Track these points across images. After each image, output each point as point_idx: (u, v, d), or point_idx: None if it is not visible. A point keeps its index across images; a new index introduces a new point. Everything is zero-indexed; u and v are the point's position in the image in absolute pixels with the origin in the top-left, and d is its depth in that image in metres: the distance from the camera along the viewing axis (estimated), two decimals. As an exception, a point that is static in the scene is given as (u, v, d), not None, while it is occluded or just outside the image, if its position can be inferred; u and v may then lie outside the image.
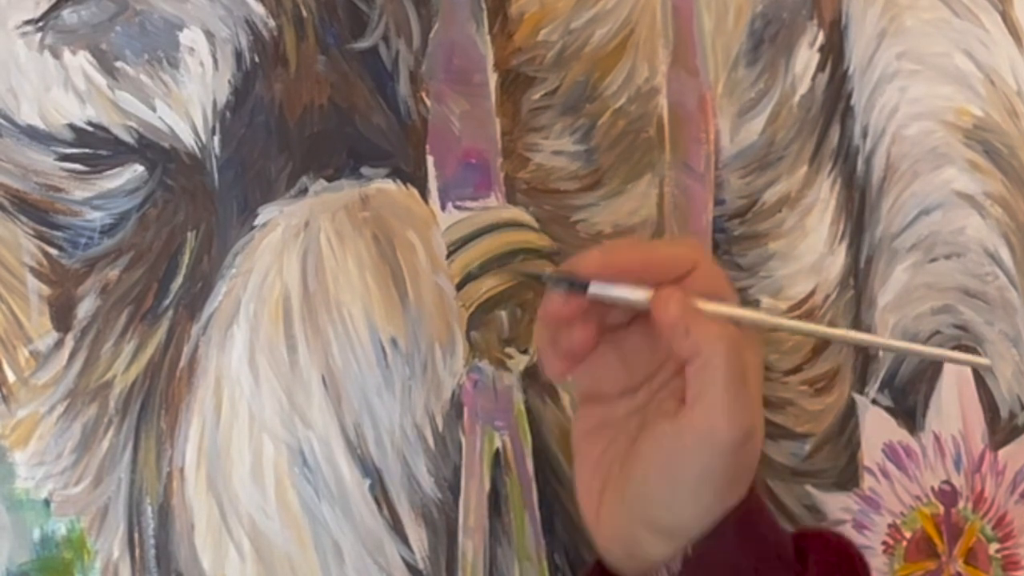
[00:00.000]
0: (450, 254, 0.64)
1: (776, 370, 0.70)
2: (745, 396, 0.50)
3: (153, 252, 0.61)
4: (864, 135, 0.72)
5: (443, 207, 0.64)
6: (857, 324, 0.72)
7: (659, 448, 0.52)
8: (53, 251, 0.59)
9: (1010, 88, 0.74)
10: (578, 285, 0.51)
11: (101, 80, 0.59)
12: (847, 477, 0.71)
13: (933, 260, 0.73)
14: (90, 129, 0.60)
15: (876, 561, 0.72)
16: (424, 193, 0.64)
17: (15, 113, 0.59)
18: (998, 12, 0.74)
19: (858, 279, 0.72)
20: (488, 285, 0.65)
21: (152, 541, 0.60)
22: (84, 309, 0.60)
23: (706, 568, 0.54)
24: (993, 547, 0.73)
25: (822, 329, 0.58)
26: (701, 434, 0.50)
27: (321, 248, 0.62)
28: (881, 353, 0.72)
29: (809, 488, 0.71)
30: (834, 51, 0.71)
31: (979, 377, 0.73)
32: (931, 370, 0.73)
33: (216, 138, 0.61)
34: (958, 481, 0.73)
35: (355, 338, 0.62)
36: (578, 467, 0.56)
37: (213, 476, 0.60)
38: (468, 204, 0.65)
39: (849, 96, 0.72)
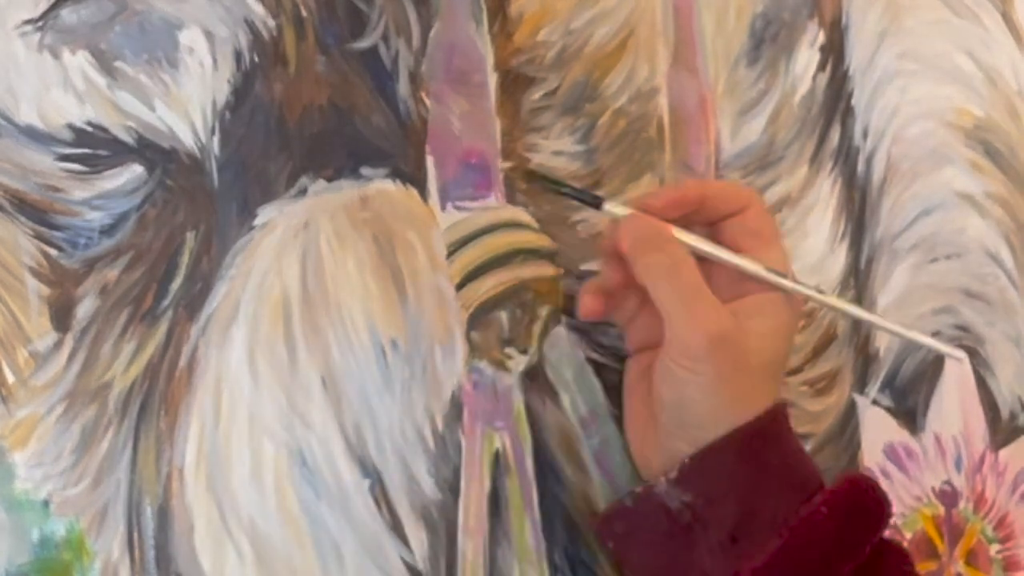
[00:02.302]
0: (450, 254, 0.64)
1: (776, 371, 0.70)
2: (698, 306, 0.57)
3: (152, 252, 0.60)
4: (865, 135, 0.72)
5: (443, 207, 0.64)
6: (858, 325, 0.72)
7: (657, 370, 0.59)
8: (52, 251, 0.59)
9: (1011, 88, 0.74)
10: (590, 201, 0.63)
11: (100, 80, 0.59)
12: (848, 478, 0.71)
13: (934, 260, 0.73)
14: (89, 129, 0.60)
15: (877, 562, 0.72)
16: (424, 193, 0.64)
17: (14, 113, 0.59)
18: (999, 12, 0.74)
19: (859, 279, 0.72)
20: (488, 285, 0.65)
21: (151, 542, 0.60)
22: (83, 309, 0.60)
23: (703, 479, 0.58)
24: (994, 548, 0.73)
25: (788, 284, 0.59)
26: (674, 349, 0.58)
27: (321, 249, 0.62)
28: (882, 353, 0.72)
29: (810, 489, 0.71)
30: (835, 51, 0.71)
31: (980, 378, 0.73)
32: (931, 370, 0.73)
33: (215, 138, 0.61)
34: (959, 482, 0.73)
35: (355, 339, 0.62)
36: (627, 414, 0.64)
37: (213, 477, 0.60)
38: (468, 204, 0.65)
39: (850, 96, 0.72)
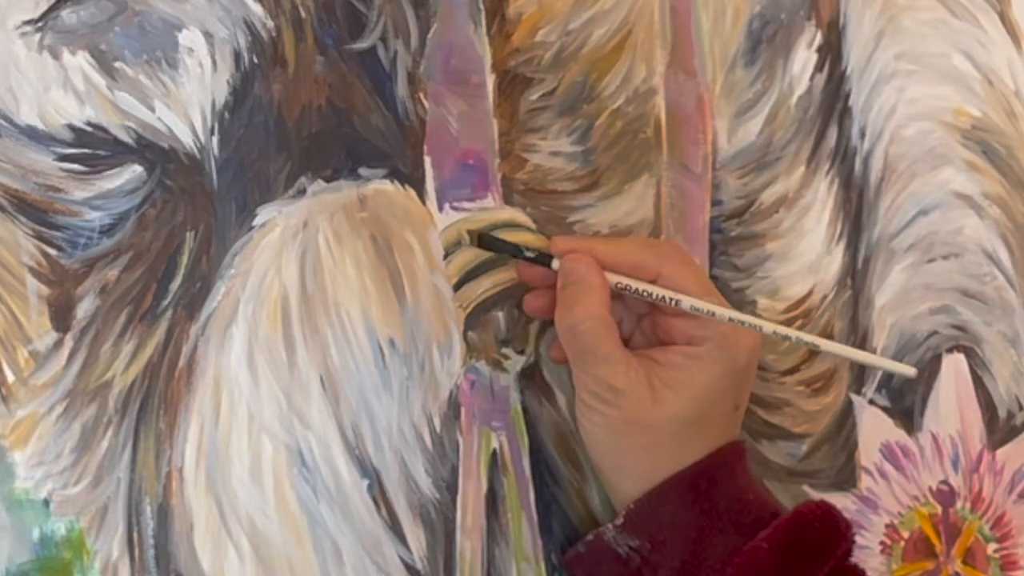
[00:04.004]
0: (447, 255, 0.64)
1: (773, 371, 0.70)
2: (587, 368, 0.60)
3: (152, 252, 0.61)
4: (862, 135, 0.72)
5: (441, 208, 0.64)
6: (855, 324, 0.72)
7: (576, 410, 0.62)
8: (52, 251, 0.59)
9: (1008, 89, 0.74)
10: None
11: (100, 80, 0.60)
12: (844, 477, 0.71)
13: (931, 260, 0.73)
14: (89, 129, 0.60)
15: (874, 561, 0.72)
16: (422, 194, 0.64)
17: (14, 113, 0.59)
18: (996, 13, 0.74)
19: (856, 280, 0.72)
20: (485, 286, 0.65)
21: (151, 541, 0.60)
22: (83, 309, 0.60)
23: (647, 524, 0.59)
24: (991, 547, 0.73)
25: (721, 310, 0.60)
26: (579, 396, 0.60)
27: (319, 248, 0.62)
28: (879, 352, 0.72)
29: (806, 488, 0.71)
30: (832, 51, 0.71)
31: (977, 377, 0.73)
32: (929, 370, 0.73)
33: (215, 138, 0.61)
34: (956, 481, 0.73)
35: (353, 338, 0.62)
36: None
37: (212, 476, 0.60)
38: (466, 205, 0.65)
39: (847, 96, 0.71)
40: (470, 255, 0.64)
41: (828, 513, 0.61)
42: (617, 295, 0.62)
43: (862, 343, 0.72)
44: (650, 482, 0.59)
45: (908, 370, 0.61)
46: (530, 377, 0.66)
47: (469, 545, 0.64)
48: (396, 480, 0.62)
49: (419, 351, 0.63)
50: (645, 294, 0.61)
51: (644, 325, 0.64)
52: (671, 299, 0.60)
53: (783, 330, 0.61)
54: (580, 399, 0.60)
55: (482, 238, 0.63)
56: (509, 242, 0.64)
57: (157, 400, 0.60)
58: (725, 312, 0.60)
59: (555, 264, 0.62)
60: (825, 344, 0.62)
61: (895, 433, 0.72)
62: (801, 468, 0.71)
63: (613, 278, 0.61)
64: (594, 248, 0.62)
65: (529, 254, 0.63)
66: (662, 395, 0.59)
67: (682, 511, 0.59)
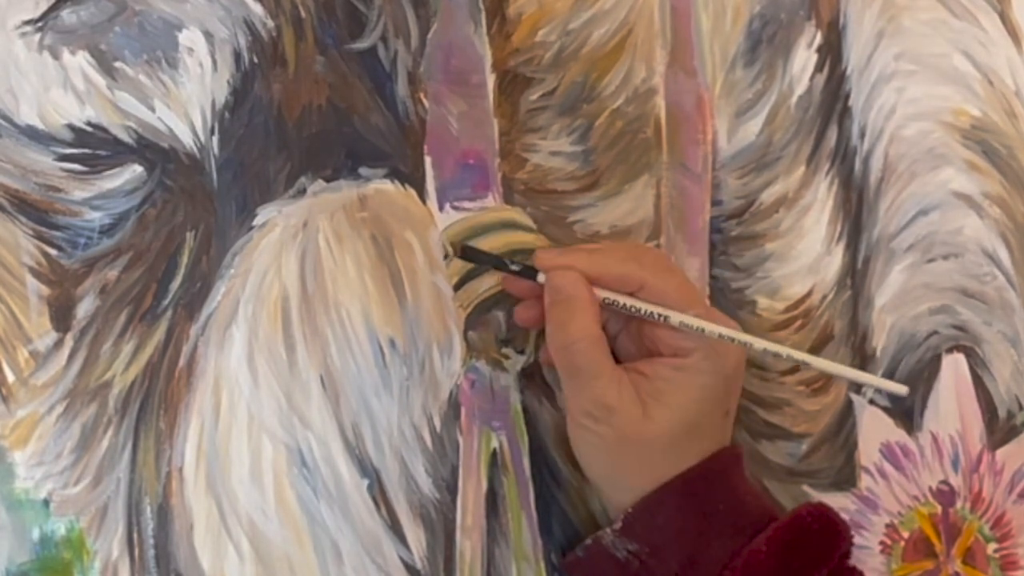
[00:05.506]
0: (447, 255, 0.64)
1: (773, 370, 0.70)
2: (580, 387, 0.60)
3: (152, 252, 0.61)
4: (862, 135, 0.72)
5: (441, 208, 0.64)
6: (854, 325, 0.72)
7: (568, 428, 0.63)
8: (52, 251, 0.59)
9: (1008, 88, 0.74)
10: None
11: (100, 80, 0.60)
12: (844, 477, 0.71)
13: (931, 260, 0.73)
14: (89, 129, 0.60)
15: (874, 561, 0.72)
16: (422, 194, 0.64)
17: (14, 113, 0.59)
18: (996, 13, 0.74)
19: (855, 279, 0.72)
20: (485, 285, 0.65)
21: (151, 541, 0.60)
22: (83, 309, 0.60)
23: (645, 528, 0.59)
24: (991, 547, 0.73)
25: (711, 326, 0.60)
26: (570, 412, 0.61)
27: (319, 248, 0.62)
28: (878, 353, 0.72)
29: (806, 488, 0.71)
30: (832, 52, 0.71)
31: (977, 377, 0.73)
32: (928, 370, 0.73)
33: (215, 138, 0.61)
34: (956, 481, 0.73)
35: (353, 338, 0.62)
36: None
37: (212, 476, 0.60)
38: (466, 204, 0.65)
39: (847, 97, 0.71)
40: (470, 255, 0.64)
41: (826, 515, 0.61)
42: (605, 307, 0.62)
43: (862, 343, 0.72)
44: (645, 487, 0.60)
45: (900, 389, 0.61)
46: (530, 377, 0.66)
47: (469, 545, 0.64)
48: (396, 480, 0.62)
49: (419, 351, 0.63)
50: (633, 309, 0.61)
51: (631, 329, 0.63)
52: (659, 315, 0.60)
53: (774, 347, 0.61)
54: (573, 419, 0.60)
55: (465, 250, 0.63)
56: (492, 255, 0.63)
57: (157, 400, 0.60)
58: (715, 328, 0.60)
59: (540, 277, 0.62)
60: (816, 362, 0.62)
61: (895, 433, 0.72)
62: (801, 468, 0.71)
63: (600, 293, 0.61)
64: (577, 263, 0.61)
65: (514, 267, 0.62)
66: (653, 410, 0.59)
67: (680, 515, 0.59)
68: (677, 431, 0.59)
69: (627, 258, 0.62)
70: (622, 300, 0.61)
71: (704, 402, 0.60)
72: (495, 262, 0.63)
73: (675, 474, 0.59)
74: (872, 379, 0.66)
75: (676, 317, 0.60)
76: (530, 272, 0.62)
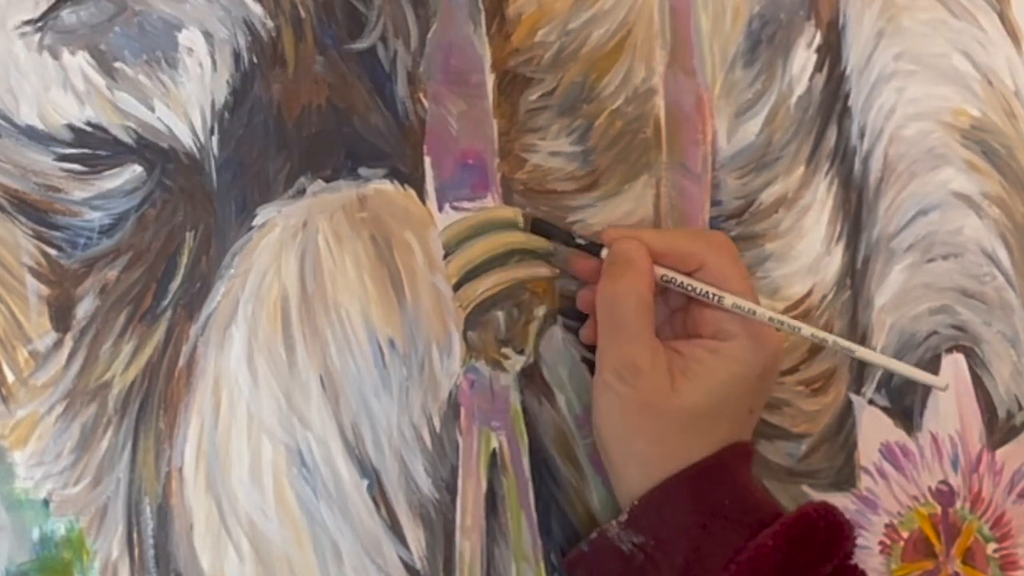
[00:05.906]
0: (447, 255, 0.64)
1: (772, 370, 0.70)
2: (620, 336, 0.60)
3: (152, 252, 0.61)
4: (861, 136, 0.72)
5: (440, 208, 0.64)
6: (854, 325, 0.72)
7: (594, 389, 0.63)
8: (52, 251, 0.60)
9: (1008, 89, 0.74)
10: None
11: (100, 80, 0.60)
12: (844, 477, 0.71)
13: (931, 260, 0.73)
14: (89, 129, 0.60)
15: (873, 561, 0.72)
16: (422, 194, 0.64)
17: (14, 113, 0.59)
18: (996, 13, 0.74)
19: (855, 279, 0.72)
20: (485, 286, 0.65)
21: (151, 541, 0.60)
22: (83, 309, 0.60)
23: (652, 521, 0.59)
24: (991, 547, 0.73)
25: (763, 310, 0.60)
26: (599, 371, 0.61)
27: (319, 249, 0.62)
28: (878, 352, 0.72)
29: (806, 488, 0.71)
30: (832, 52, 0.71)
31: (977, 377, 0.73)
32: (928, 370, 0.72)
33: (214, 138, 0.61)
34: (955, 481, 0.73)
35: (353, 339, 0.62)
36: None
37: (212, 476, 0.60)
38: (465, 205, 0.65)
39: (846, 97, 0.71)
40: (470, 255, 0.64)
41: (831, 513, 0.61)
42: (658, 290, 0.62)
43: (861, 343, 0.71)
44: (655, 471, 0.60)
45: (940, 383, 0.63)
46: (530, 377, 0.66)
47: (469, 545, 0.64)
48: (396, 480, 0.62)
49: (419, 351, 0.63)
50: (689, 288, 0.62)
51: (676, 320, 0.64)
52: (714, 295, 0.61)
53: (820, 334, 0.62)
54: (600, 377, 0.60)
55: (536, 223, 0.64)
56: (561, 228, 0.65)
57: (157, 400, 0.60)
58: (765, 311, 0.61)
59: (604, 253, 0.63)
60: (860, 351, 0.63)
61: (895, 433, 0.72)
62: (800, 468, 0.71)
63: (659, 270, 0.62)
64: (643, 235, 0.63)
65: (580, 241, 0.64)
66: (680, 384, 0.60)
67: (687, 508, 0.59)
68: (699, 410, 0.60)
69: (692, 237, 0.64)
70: (679, 279, 0.62)
71: (731, 389, 0.61)
72: (563, 237, 0.64)
73: (688, 457, 0.59)
74: (915, 372, 0.65)
75: (730, 299, 0.61)
76: (595, 248, 0.63)
